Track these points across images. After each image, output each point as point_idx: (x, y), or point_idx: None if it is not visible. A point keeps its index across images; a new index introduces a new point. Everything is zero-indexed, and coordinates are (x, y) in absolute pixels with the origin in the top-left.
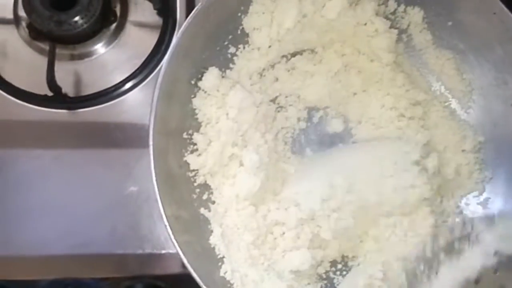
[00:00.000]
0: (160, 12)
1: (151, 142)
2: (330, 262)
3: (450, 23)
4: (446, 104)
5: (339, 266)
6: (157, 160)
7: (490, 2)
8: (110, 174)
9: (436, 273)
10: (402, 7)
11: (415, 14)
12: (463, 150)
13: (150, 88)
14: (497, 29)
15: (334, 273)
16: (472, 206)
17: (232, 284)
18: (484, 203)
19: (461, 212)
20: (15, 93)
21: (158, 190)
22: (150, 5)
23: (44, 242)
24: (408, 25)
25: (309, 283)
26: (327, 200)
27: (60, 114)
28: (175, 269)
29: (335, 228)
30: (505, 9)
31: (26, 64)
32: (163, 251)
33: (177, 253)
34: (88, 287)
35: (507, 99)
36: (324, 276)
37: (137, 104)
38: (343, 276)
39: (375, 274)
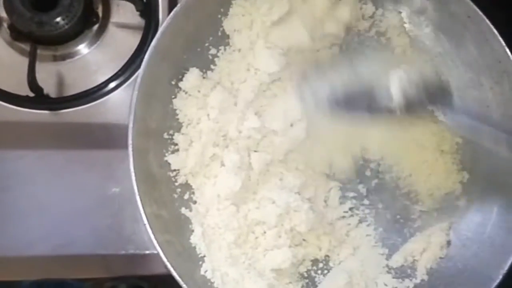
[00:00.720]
0: (143, 14)
1: (130, 142)
2: (312, 261)
3: (427, 27)
4: None
5: (320, 265)
6: (137, 160)
7: (464, 6)
8: (93, 175)
9: None
10: (380, 10)
11: (393, 18)
12: (442, 151)
13: (132, 89)
14: (471, 32)
15: (316, 272)
16: (451, 206)
17: (212, 283)
18: (463, 203)
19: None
20: None
21: (138, 189)
22: (132, 7)
23: (26, 243)
24: (387, 28)
25: (290, 282)
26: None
27: (42, 115)
28: (158, 270)
29: (307, 219)
30: (479, 12)
31: (7, 65)
32: (147, 252)
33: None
34: None
35: (482, 101)
36: (305, 275)
37: (119, 105)
38: (324, 275)
39: (354, 274)
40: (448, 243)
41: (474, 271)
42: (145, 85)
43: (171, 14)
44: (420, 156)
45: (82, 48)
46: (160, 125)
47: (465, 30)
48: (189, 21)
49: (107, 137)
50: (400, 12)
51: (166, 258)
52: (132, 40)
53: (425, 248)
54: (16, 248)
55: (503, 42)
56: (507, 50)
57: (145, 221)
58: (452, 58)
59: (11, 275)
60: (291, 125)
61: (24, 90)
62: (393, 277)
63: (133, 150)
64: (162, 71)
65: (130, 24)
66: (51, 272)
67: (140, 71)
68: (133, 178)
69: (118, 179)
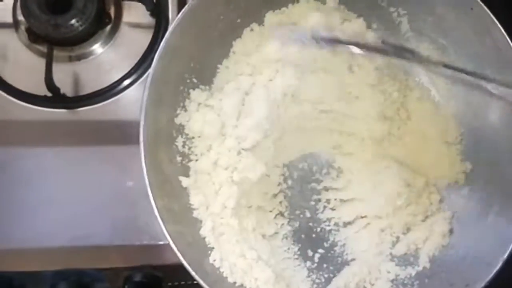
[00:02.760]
0: (153, 13)
1: (141, 139)
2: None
3: (430, 19)
4: (430, 97)
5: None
6: (148, 155)
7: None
8: (108, 170)
9: None
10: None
11: None
12: (446, 142)
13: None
14: (475, 24)
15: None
16: (453, 196)
17: (221, 272)
18: (465, 192)
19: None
20: (16, 94)
21: (149, 183)
22: (143, 7)
23: (47, 235)
24: None
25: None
26: None
27: (59, 113)
28: (171, 259)
29: None
30: (481, 4)
31: (26, 67)
32: (160, 242)
33: None
34: (89, 277)
35: (485, 91)
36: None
37: (133, 102)
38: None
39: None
40: (451, 231)
41: (475, 259)
42: (156, 83)
43: (181, 13)
44: (424, 146)
45: (96, 48)
46: (170, 122)
47: (468, 21)
48: (198, 19)
49: (121, 134)
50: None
51: (176, 247)
52: (144, 39)
53: (428, 236)
54: (38, 240)
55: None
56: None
57: (156, 213)
58: (455, 49)
59: (34, 266)
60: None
61: (42, 90)
62: (396, 265)
63: (144, 146)
64: (172, 69)
65: (141, 23)
66: (71, 262)
67: (150, 70)
68: (145, 173)
69: (132, 174)
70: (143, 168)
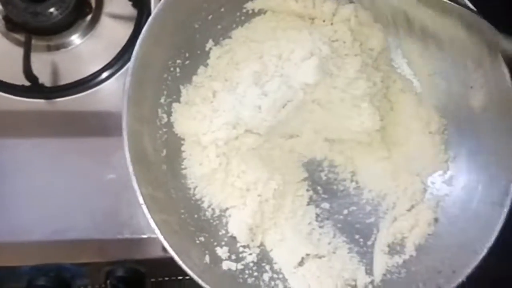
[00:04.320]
0: (135, 4)
1: (124, 125)
2: None
3: None
4: (413, 88)
5: None
6: (131, 143)
7: None
8: (89, 162)
9: None
10: None
11: None
12: (429, 132)
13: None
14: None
15: None
16: (437, 185)
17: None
18: (449, 181)
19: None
20: None
21: (133, 170)
22: None
23: (24, 229)
24: None
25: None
26: None
27: (37, 103)
28: (155, 254)
29: None
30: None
31: (3, 55)
32: (143, 236)
33: (157, 238)
34: (69, 273)
35: (466, 82)
36: None
37: (113, 93)
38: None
39: None
40: (436, 220)
41: (461, 246)
42: (138, 70)
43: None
44: (407, 137)
45: (76, 38)
46: (153, 110)
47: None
48: (180, 8)
49: (101, 125)
50: None
51: (163, 236)
52: (125, 30)
53: (413, 225)
54: (14, 234)
55: None
56: None
57: (141, 201)
58: (436, 41)
59: (10, 261)
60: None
61: (19, 79)
62: (384, 254)
63: (128, 134)
64: (154, 56)
65: (122, 14)
66: (49, 257)
67: (132, 56)
68: (128, 160)
69: (113, 166)
70: (126, 155)
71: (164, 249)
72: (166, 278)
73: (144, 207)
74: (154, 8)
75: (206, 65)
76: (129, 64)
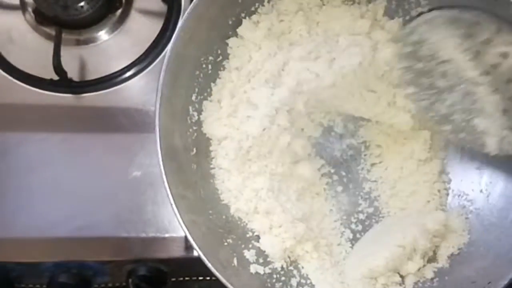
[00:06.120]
0: (165, 0)
1: (157, 122)
2: None
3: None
4: None
5: None
6: (163, 140)
7: None
8: (114, 159)
9: None
10: None
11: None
12: None
13: (154, 74)
14: None
15: None
16: (473, 192)
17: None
18: (485, 189)
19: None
20: (22, 77)
21: (164, 169)
22: None
23: (48, 225)
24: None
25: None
26: None
27: (65, 98)
28: (178, 253)
29: None
30: None
31: (32, 49)
32: (167, 235)
33: (180, 237)
34: (91, 270)
35: None
36: None
37: (141, 90)
38: None
39: None
40: (470, 228)
41: (497, 256)
42: (172, 66)
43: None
44: None
45: (105, 33)
46: (185, 107)
47: None
48: (215, 3)
49: (128, 122)
50: None
51: (192, 237)
52: (154, 26)
53: (446, 234)
54: (39, 230)
55: None
56: None
57: (172, 201)
58: None
59: (33, 257)
60: None
61: (48, 73)
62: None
63: (160, 131)
64: (188, 52)
65: (152, 9)
66: (72, 254)
67: (167, 51)
68: (160, 158)
69: (139, 163)
70: (158, 153)
71: (187, 248)
72: (187, 278)
73: (174, 207)
74: (185, 6)
75: None
76: (164, 60)
